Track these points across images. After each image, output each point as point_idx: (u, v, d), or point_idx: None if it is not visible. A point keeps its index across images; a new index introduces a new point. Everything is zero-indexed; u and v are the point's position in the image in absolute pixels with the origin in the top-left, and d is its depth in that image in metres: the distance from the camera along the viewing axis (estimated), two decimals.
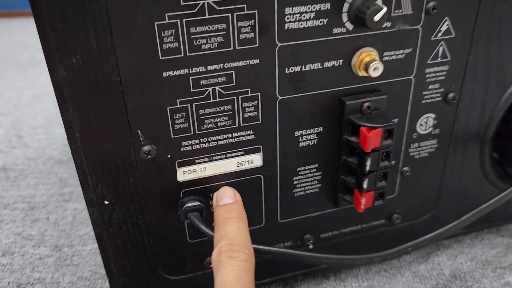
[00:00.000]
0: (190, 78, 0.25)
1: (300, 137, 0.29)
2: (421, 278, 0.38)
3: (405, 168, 0.33)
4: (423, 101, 0.31)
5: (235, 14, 0.24)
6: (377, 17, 0.25)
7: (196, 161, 0.28)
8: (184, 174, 0.28)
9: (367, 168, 0.28)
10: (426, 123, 0.32)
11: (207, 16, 0.24)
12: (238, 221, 0.27)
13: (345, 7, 0.26)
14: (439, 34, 0.29)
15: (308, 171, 0.31)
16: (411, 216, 0.36)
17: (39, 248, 0.42)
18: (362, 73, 0.27)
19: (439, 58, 0.29)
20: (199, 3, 0.23)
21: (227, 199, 0.28)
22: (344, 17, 0.26)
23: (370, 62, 0.27)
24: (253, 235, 0.27)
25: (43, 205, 0.49)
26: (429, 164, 0.34)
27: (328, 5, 0.25)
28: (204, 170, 0.28)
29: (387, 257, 0.30)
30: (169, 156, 0.27)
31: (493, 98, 0.33)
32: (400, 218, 0.35)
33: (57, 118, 0.66)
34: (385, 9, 0.25)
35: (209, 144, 0.28)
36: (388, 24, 0.27)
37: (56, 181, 0.52)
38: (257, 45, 0.25)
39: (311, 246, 0.34)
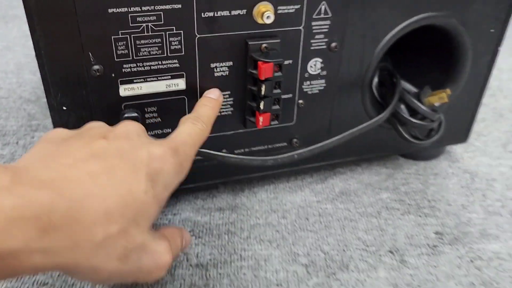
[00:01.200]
0: (129, 15, 0.34)
1: (215, 69, 0.39)
2: (316, 193, 0.49)
3: (300, 101, 0.43)
4: (311, 48, 0.41)
5: None
6: None
7: (134, 81, 0.37)
8: (125, 90, 0.37)
9: (262, 93, 0.38)
10: (315, 65, 0.42)
11: None
12: (210, 110, 0.36)
13: None
14: None
15: (224, 99, 0.40)
16: (308, 141, 0.46)
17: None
18: (260, 20, 0.37)
19: (322, 14, 0.39)
20: None
21: (212, 95, 0.38)
22: None
23: (264, 12, 0.36)
24: None
25: (13, 133, 0.57)
26: (320, 99, 0.44)
27: None
28: (140, 89, 0.37)
29: (277, 160, 0.40)
30: (113, 75, 0.36)
31: (369, 49, 0.43)
32: (298, 143, 0.46)
33: (26, 66, 0.73)
34: None
35: (144, 68, 0.37)
36: None
37: (25, 116, 0.60)
38: None
39: None
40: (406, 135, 0.46)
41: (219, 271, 0.39)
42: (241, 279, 0.38)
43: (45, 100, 0.59)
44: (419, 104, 0.45)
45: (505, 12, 0.45)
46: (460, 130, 0.53)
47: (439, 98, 0.44)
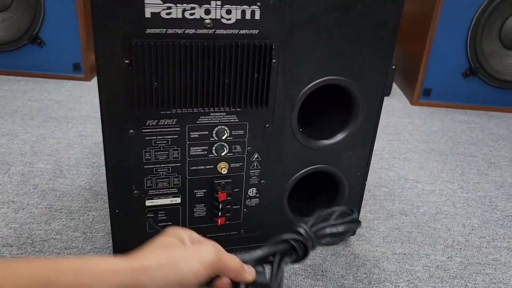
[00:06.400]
0: (154, 168, 0.69)
1: (197, 193, 0.73)
2: None
3: (245, 210, 0.77)
4: (250, 183, 0.75)
5: None
6: (222, 154, 0.70)
7: (154, 198, 0.72)
8: (148, 202, 0.72)
9: (220, 207, 0.72)
10: (252, 191, 0.76)
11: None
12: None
13: (213, 148, 0.70)
14: None
15: (201, 207, 0.75)
16: (250, 231, 0.79)
17: None
18: (221, 171, 0.72)
19: (255, 167, 0.74)
20: None
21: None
22: (213, 151, 0.71)
23: (222, 167, 0.71)
24: None
25: (76, 211, 0.91)
26: (256, 209, 0.78)
27: (206, 147, 0.70)
28: (157, 202, 0.72)
29: None
30: (143, 195, 0.71)
31: (282, 183, 0.77)
32: (244, 232, 0.79)
33: (83, 160, 1.09)
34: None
35: (159, 192, 0.71)
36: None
37: (83, 199, 0.95)
38: (179, 158, 0.70)
39: None
40: None
41: None
42: None
43: (95, 188, 0.95)
44: None
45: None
46: None
47: None
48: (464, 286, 0.80)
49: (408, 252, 0.88)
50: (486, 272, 0.84)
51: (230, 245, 0.74)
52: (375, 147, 1.31)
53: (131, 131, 0.65)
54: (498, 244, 0.92)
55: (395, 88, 1.77)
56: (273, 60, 0.66)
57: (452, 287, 0.79)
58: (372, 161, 1.21)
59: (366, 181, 0.82)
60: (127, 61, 0.61)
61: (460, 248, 0.90)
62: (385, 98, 1.68)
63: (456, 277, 0.82)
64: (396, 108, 1.60)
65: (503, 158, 1.29)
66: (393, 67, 1.66)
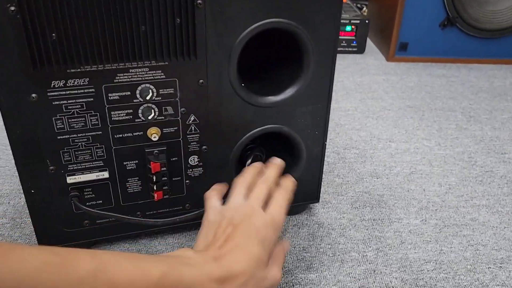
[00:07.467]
0: (70, 139, 0.59)
1: (127, 165, 0.63)
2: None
3: (187, 181, 0.68)
4: (189, 150, 0.65)
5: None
6: (150, 118, 0.59)
7: (75, 174, 0.61)
8: (70, 179, 0.62)
9: (154, 180, 0.63)
10: (193, 160, 0.66)
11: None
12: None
13: (139, 111, 0.60)
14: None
15: (134, 181, 0.65)
16: (196, 205, 0.70)
17: None
18: (151, 138, 0.62)
19: (193, 131, 0.64)
20: None
21: None
22: (140, 115, 0.60)
23: (152, 133, 0.61)
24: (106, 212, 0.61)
25: (7, 195, 0.81)
26: (200, 179, 0.68)
27: (131, 111, 0.60)
28: (80, 178, 0.62)
29: (164, 222, 0.64)
30: (62, 171, 0.61)
31: (228, 149, 0.67)
32: (190, 206, 0.70)
33: None
34: (155, 113, 0.59)
35: (81, 166, 0.61)
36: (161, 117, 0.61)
37: (17, 181, 0.85)
38: (100, 125, 0.59)
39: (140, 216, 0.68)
40: None
41: None
42: None
43: None
44: None
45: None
46: (311, 195, 0.77)
47: None
48: (439, 251, 0.71)
49: (378, 217, 0.79)
50: (463, 233, 0.75)
51: (175, 223, 0.65)
52: (347, 107, 1.22)
53: (33, 95, 0.55)
54: (476, 202, 0.84)
55: (370, 45, 1.66)
56: (198, 1, 0.55)
57: (426, 253, 0.71)
58: (343, 122, 1.12)
59: (326, 141, 0.72)
60: (12, 8, 0.49)
61: (436, 210, 0.81)
62: (360, 55, 1.58)
63: (430, 241, 0.73)
64: (371, 66, 1.49)
65: (483, 111, 1.20)
66: (367, 21, 1.54)
